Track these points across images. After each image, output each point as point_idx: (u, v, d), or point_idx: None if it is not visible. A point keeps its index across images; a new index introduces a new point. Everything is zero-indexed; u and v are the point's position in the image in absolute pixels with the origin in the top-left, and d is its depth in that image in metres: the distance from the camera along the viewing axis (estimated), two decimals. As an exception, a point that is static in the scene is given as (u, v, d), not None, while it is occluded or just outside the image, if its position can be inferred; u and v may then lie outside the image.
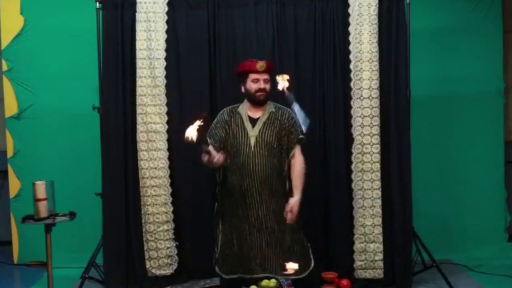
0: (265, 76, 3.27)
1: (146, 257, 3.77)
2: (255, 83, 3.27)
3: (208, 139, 3.27)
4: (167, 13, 3.76)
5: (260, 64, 3.24)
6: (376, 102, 3.71)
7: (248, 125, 3.29)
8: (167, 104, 3.78)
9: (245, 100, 3.36)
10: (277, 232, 3.26)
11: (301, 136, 3.32)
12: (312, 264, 3.34)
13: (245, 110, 3.32)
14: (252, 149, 3.23)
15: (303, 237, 3.33)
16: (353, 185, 3.75)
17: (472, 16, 4.54)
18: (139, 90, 3.75)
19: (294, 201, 3.18)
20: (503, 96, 4.64)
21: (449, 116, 4.58)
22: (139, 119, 3.74)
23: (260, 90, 3.26)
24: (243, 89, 3.33)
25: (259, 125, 3.28)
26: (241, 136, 3.26)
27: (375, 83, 3.71)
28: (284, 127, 3.30)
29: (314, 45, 3.83)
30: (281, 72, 3.28)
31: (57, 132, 4.48)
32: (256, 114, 3.31)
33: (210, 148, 3.05)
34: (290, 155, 3.30)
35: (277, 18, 3.81)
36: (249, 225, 3.25)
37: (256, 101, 3.29)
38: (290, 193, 3.25)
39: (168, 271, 3.81)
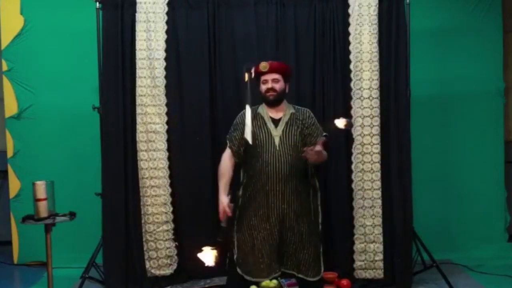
0: (274, 76, 3.29)
1: (146, 257, 3.77)
2: (264, 84, 3.32)
3: (228, 142, 3.36)
4: (167, 13, 3.75)
5: (263, 65, 3.27)
6: (376, 102, 3.71)
7: (271, 125, 3.31)
8: (166, 105, 3.78)
9: (263, 103, 3.39)
10: (296, 231, 3.27)
11: (324, 134, 3.36)
12: (322, 272, 3.35)
13: (265, 111, 3.35)
14: (277, 148, 3.25)
15: (319, 243, 3.35)
16: (353, 185, 3.75)
17: (472, 16, 4.54)
18: (138, 90, 3.74)
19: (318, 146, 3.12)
20: (503, 96, 4.64)
21: (449, 116, 4.59)
22: (138, 119, 3.74)
23: (268, 90, 3.30)
24: (259, 93, 3.37)
25: (281, 125, 3.31)
26: (264, 137, 3.28)
27: (375, 83, 3.71)
28: (307, 126, 3.33)
29: (314, 45, 3.82)
30: None
31: (57, 132, 4.48)
32: (277, 115, 3.34)
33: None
34: None
35: (277, 18, 3.81)
36: (270, 224, 3.26)
37: (268, 101, 3.32)
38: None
39: (167, 271, 3.81)
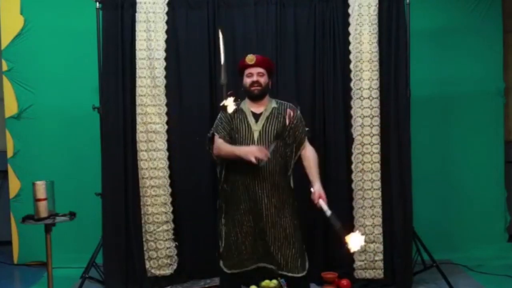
0: (259, 70, 3.25)
1: (146, 257, 3.78)
2: (249, 77, 3.26)
3: (215, 134, 3.29)
4: (167, 13, 3.76)
5: (250, 58, 3.23)
6: (376, 102, 3.71)
7: (251, 120, 3.27)
8: (166, 104, 3.78)
9: (246, 97, 3.36)
10: (278, 226, 3.25)
11: (307, 129, 3.33)
12: (307, 266, 3.33)
13: (247, 106, 3.32)
14: (256, 143, 3.22)
15: (301, 237, 3.32)
16: (353, 185, 3.75)
17: (472, 16, 4.54)
18: (138, 90, 3.75)
19: (317, 188, 3.11)
20: (503, 96, 4.64)
21: (449, 116, 4.59)
22: (138, 119, 3.74)
23: (253, 83, 3.24)
24: (242, 86, 3.33)
25: (262, 120, 3.27)
26: (244, 131, 3.25)
27: (375, 83, 3.71)
28: (289, 121, 3.28)
29: (314, 45, 3.83)
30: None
31: (57, 132, 4.48)
32: (258, 109, 3.30)
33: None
34: (300, 149, 3.29)
35: (277, 18, 3.81)
36: (253, 218, 3.25)
37: (252, 95, 3.27)
38: (310, 184, 3.20)
39: (167, 271, 3.81)
